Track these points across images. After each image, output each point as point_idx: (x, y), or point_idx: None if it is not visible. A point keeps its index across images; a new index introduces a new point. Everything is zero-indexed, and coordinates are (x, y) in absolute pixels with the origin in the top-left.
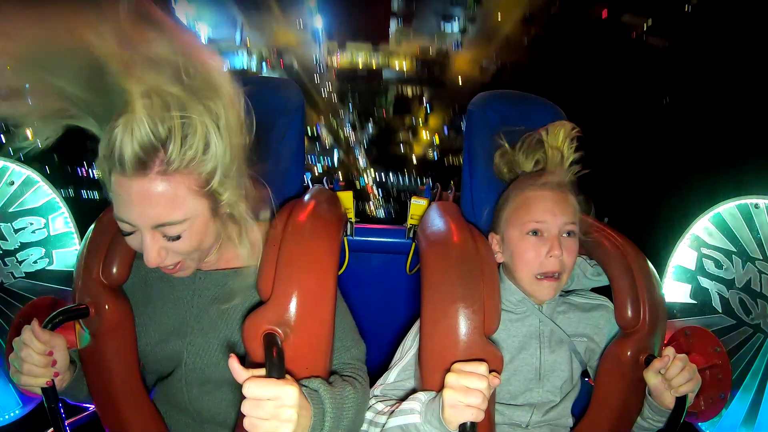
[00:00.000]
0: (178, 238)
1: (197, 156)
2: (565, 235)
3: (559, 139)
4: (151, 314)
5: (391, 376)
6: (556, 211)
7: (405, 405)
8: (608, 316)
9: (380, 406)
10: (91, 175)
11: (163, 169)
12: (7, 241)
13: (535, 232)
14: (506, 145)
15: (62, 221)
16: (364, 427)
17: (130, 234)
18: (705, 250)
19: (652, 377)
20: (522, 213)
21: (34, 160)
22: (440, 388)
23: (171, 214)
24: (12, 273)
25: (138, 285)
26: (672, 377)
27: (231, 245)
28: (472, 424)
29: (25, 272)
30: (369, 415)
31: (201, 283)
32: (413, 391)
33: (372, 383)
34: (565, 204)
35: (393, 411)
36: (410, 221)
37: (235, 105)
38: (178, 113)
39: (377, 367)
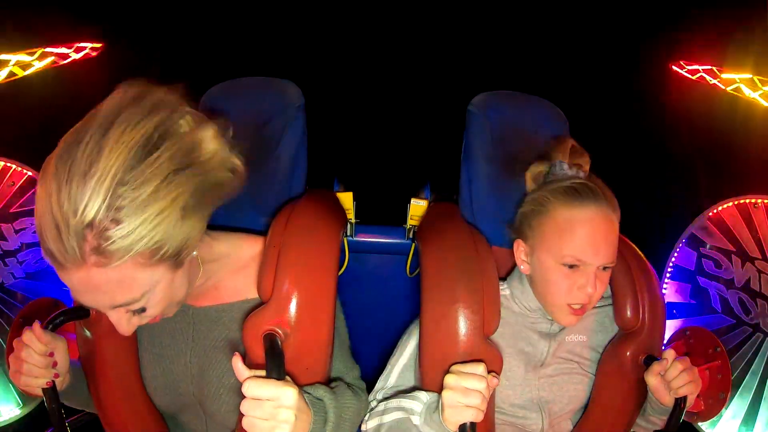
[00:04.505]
0: (143, 310)
1: (138, 238)
2: (602, 269)
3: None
4: (147, 345)
5: (391, 378)
6: (599, 244)
7: (406, 403)
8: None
9: (381, 407)
10: None
11: (100, 261)
12: (7, 241)
13: (571, 266)
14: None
15: None
16: (364, 427)
17: None
18: (704, 250)
19: (651, 379)
20: (563, 242)
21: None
22: (440, 389)
23: (125, 296)
24: (13, 273)
25: None
26: (671, 379)
27: (226, 268)
28: (472, 424)
29: (26, 273)
30: (369, 419)
31: (201, 320)
32: (414, 389)
33: (371, 386)
34: (610, 233)
35: (391, 399)
36: (410, 222)
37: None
38: (113, 192)
39: (377, 369)
